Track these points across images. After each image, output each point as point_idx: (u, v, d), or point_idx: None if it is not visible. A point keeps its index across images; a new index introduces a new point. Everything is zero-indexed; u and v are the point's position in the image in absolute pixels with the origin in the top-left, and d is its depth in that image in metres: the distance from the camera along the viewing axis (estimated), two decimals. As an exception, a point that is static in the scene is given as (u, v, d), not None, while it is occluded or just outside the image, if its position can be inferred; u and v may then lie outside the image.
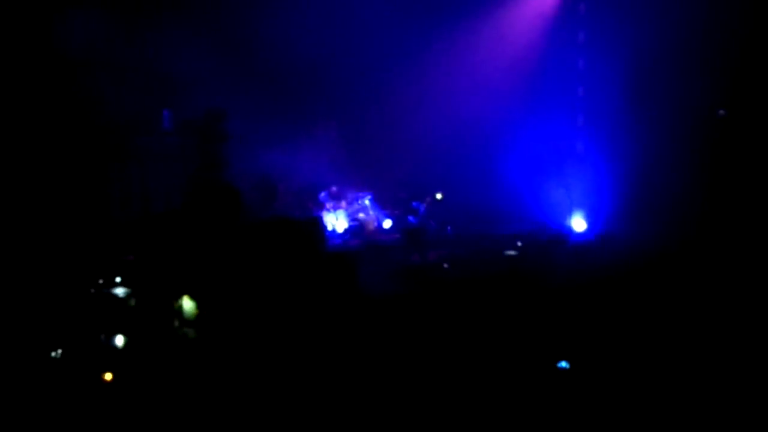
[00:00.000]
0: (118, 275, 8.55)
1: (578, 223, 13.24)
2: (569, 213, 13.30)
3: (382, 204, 13.75)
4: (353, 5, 13.64)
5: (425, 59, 14.24)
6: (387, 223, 13.51)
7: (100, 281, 8.44)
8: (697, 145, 12.34)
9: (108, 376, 6.99)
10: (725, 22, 11.87)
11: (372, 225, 13.48)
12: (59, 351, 7.22)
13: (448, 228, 12.99)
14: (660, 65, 12.45)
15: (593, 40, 13.57)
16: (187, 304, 8.23)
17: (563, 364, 7.27)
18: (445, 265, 11.33)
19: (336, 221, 13.21)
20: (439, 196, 12.85)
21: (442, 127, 13.95)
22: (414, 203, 12.77)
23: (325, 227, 11.83)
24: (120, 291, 8.36)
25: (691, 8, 12.00)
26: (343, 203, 13.45)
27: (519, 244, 11.91)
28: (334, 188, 13.52)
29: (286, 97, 13.59)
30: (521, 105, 13.96)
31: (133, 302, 8.24)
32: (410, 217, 12.80)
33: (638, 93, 12.73)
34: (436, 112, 14.06)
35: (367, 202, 13.64)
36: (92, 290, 8.32)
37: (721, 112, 12.38)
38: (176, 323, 8.16)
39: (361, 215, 13.53)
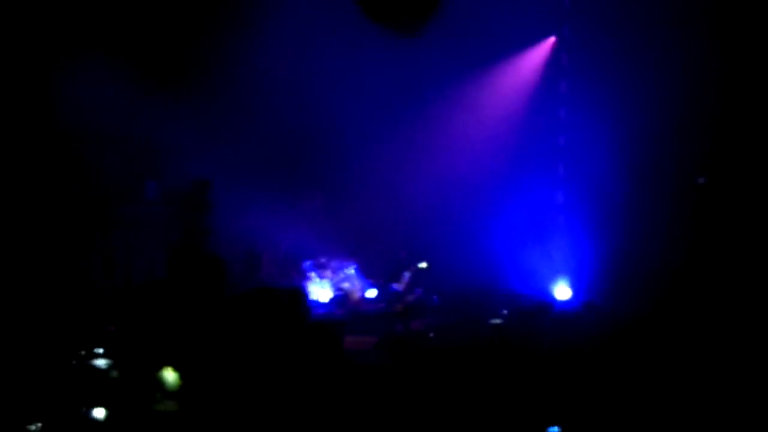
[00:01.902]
0: (99, 346, 8.43)
1: (563, 291, 13.25)
2: (553, 281, 13.32)
3: (367, 273, 13.69)
4: (337, 73, 13.83)
5: (407, 128, 14.39)
6: (371, 293, 13.44)
7: (82, 352, 8.32)
8: (678, 213, 12.47)
9: (88, 450, 6.83)
10: (705, 89, 12.13)
11: (356, 295, 13.40)
12: (39, 424, 7.05)
13: (435, 297, 12.93)
14: (643, 133, 12.64)
15: (577, 108, 13.79)
16: (170, 375, 8.10)
17: (554, 429, 7.23)
18: (431, 335, 11.26)
19: (320, 291, 13.14)
20: (423, 264, 12.84)
21: (427, 194, 14.02)
22: (401, 272, 12.80)
23: (309, 297, 11.76)
24: (101, 362, 8.23)
25: (671, 78, 12.26)
26: (328, 273, 13.39)
27: (505, 312, 11.86)
28: (321, 259, 13.47)
29: (271, 166, 13.64)
30: (506, 171, 14.09)
31: (114, 374, 8.10)
32: (393, 286, 12.77)
33: (621, 162, 12.89)
34: (420, 179, 14.14)
35: (351, 271, 13.58)
36: (73, 362, 8.18)
37: (701, 180, 12.54)
38: (158, 395, 8.02)
39: (346, 285, 13.45)
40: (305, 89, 13.60)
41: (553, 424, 7.31)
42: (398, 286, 12.66)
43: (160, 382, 8.07)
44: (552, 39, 14.34)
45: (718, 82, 12.14)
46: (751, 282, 11.37)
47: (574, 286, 13.23)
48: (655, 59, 12.52)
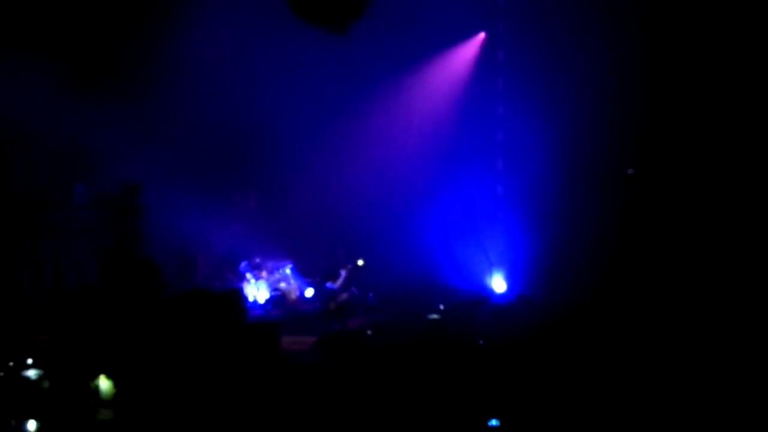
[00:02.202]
0: (29, 356, 8.23)
1: (498, 284, 13.41)
2: (489, 274, 13.48)
3: (304, 272, 13.65)
4: (268, 74, 13.76)
5: (341, 125, 14.40)
6: (309, 292, 13.40)
7: (10, 363, 8.11)
8: (608, 203, 12.73)
9: (19, 464, 6.67)
10: (633, 82, 12.41)
11: (294, 294, 13.36)
12: (-33, 440, 6.87)
13: (370, 295, 12.96)
14: (574, 127, 12.86)
15: (511, 103, 13.95)
16: (104, 383, 7.96)
17: (494, 422, 7.33)
18: (369, 332, 11.29)
19: (257, 292, 13.05)
20: (360, 262, 12.85)
21: (362, 190, 14.06)
22: (337, 270, 12.79)
23: (245, 298, 11.67)
24: (32, 373, 8.04)
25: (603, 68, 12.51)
26: (264, 273, 13.31)
27: (441, 307, 11.96)
28: (257, 259, 13.38)
29: (203, 166, 13.49)
30: (441, 166, 14.21)
31: (46, 384, 7.92)
32: (328, 284, 12.74)
33: (554, 155, 13.08)
34: (355, 177, 14.17)
35: (288, 271, 13.53)
36: (1, 373, 7.98)
37: (630, 171, 12.81)
38: (92, 404, 7.87)
39: (283, 285, 13.39)
40: (236, 89, 13.53)
41: (492, 417, 7.41)
42: (333, 285, 12.65)
43: (95, 391, 7.93)
44: (482, 35, 14.50)
45: (645, 75, 12.43)
46: (681, 269, 11.68)
47: (509, 280, 13.41)
48: (585, 54, 12.75)
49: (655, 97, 12.42)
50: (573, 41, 12.90)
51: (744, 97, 11.48)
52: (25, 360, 8.17)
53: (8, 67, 11.48)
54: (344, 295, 12.51)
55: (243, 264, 13.34)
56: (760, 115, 11.39)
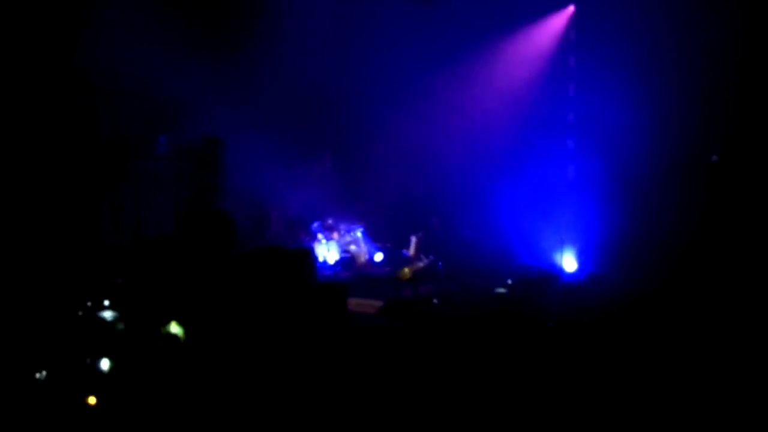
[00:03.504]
0: (106, 298, 8.50)
1: (569, 263, 13.25)
2: (560, 252, 13.32)
3: (374, 237, 13.72)
4: (353, 36, 13.80)
5: (422, 91, 14.33)
6: (378, 256, 13.48)
7: (89, 304, 8.40)
8: (689, 189, 12.43)
9: (92, 400, 6.92)
10: (721, 65, 12.03)
11: (363, 257, 13.45)
12: (44, 373, 7.15)
13: (439, 263, 12.97)
14: (657, 107, 12.56)
15: (591, 80, 13.67)
16: (175, 329, 8.18)
17: None
18: (435, 300, 11.29)
19: (327, 252, 13.18)
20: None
21: (437, 160, 14.01)
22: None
23: (316, 258, 11.81)
24: (108, 314, 8.31)
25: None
26: (335, 235, 13.43)
27: (509, 282, 11.89)
28: (329, 220, 13.49)
29: (283, 125, 13.61)
30: (518, 141, 14.05)
31: (121, 326, 8.18)
32: (404, 252, 12.84)
33: (633, 135, 12.81)
34: (432, 145, 14.11)
35: (359, 234, 13.61)
36: (80, 313, 8.26)
37: (714, 157, 12.48)
38: (163, 348, 8.11)
39: (353, 247, 13.48)
40: (320, 50, 13.55)
41: (553, 397, 7.35)
42: (407, 252, 12.71)
43: (166, 336, 8.16)
44: (571, 8, 14.22)
45: (735, 56, 12.03)
46: (761, 262, 11.36)
47: (580, 258, 13.23)
48: (670, 30, 12.41)
49: (743, 81, 12.01)
50: (656, 14, 12.55)
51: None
52: (102, 302, 8.44)
53: (98, 17, 11.68)
54: (421, 264, 12.56)
55: (315, 224, 13.47)
56: None
